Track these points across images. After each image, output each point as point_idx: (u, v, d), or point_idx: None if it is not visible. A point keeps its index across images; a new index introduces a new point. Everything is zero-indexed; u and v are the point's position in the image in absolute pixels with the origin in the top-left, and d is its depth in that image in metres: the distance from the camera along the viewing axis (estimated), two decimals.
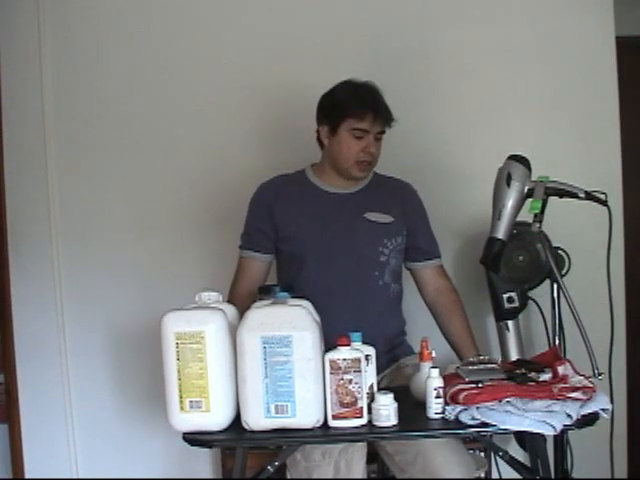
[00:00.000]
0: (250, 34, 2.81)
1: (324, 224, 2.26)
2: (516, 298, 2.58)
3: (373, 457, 2.22)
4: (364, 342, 1.86)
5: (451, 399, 1.79)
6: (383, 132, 2.27)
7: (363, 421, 1.76)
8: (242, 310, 1.91)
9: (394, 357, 2.29)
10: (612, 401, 2.34)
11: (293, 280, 2.18)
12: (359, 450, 2.10)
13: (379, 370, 1.94)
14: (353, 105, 2.22)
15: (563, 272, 2.53)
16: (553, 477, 2.41)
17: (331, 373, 1.75)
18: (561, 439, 2.53)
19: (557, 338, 2.58)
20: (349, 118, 2.22)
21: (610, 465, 2.52)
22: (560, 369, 1.86)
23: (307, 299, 1.94)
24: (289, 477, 2.16)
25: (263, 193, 2.34)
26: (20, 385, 2.87)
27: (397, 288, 2.34)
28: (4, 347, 2.87)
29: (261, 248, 2.32)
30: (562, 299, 2.33)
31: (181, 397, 1.77)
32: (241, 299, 2.19)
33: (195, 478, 2.89)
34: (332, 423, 1.76)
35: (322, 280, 2.22)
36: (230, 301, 2.12)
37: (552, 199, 2.09)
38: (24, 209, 2.86)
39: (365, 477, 2.14)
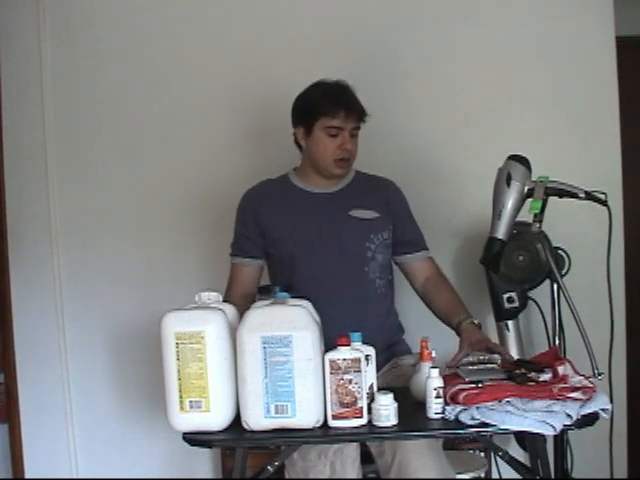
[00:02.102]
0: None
1: (310, 225, 2.28)
2: (516, 298, 2.58)
3: (370, 457, 2.21)
4: (363, 341, 1.86)
5: (451, 399, 1.79)
6: (358, 128, 2.28)
7: (363, 421, 1.76)
8: (239, 313, 1.92)
9: (391, 355, 2.30)
10: (612, 401, 2.35)
11: (285, 282, 2.19)
12: (353, 450, 2.10)
13: (377, 369, 1.93)
14: (325, 104, 2.24)
15: (563, 272, 2.53)
16: (553, 477, 2.41)
17: (331, 373, 1.74)
18: (561, 439, 2.53)
19: (557, 338, 2.58)
20: (322, 117, 2.23)
21: (609, 465, 2.52)
22: (560, 369, 1.86)
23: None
24: (287, 477, 2.17)
25: (248, 200, 2.37)
26: (20, 385, 2.87)
27: (387, 283, 2.35)
28: (4, 347, 2.88)
29: (250, 254, 2.34)
30: (562, 299, 2.33)
31: (181, 397, 1.77)
32: (235, 304, 2.13)
33: (195, 478, 2.89)
34: (332, 423, 1.76)
35: (313, 280, 2.23)
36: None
37: (552, 199, 2.09)
38: (24, 209, 2.87)
39: (360, 477, 2.14)
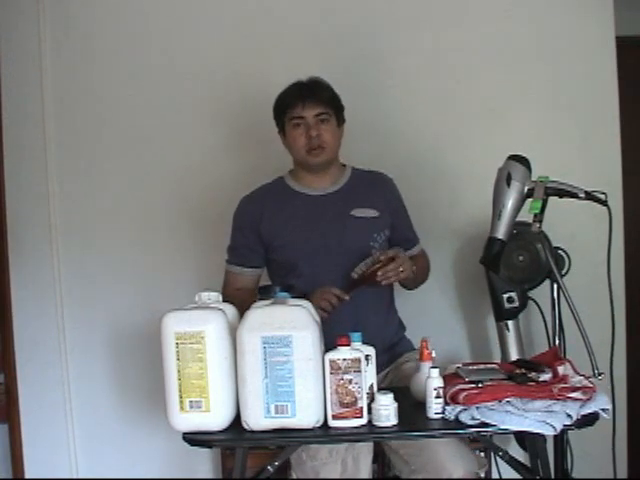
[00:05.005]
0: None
1: (312, 227, 2.28)
2: (516, 298, 2.57)
3: (374, 457, 2.22)
4: (364, 341, 1.86)
5: (451, 399, 1.79)
6: (325, 114, 2.27)
7: (363, 421, 1.76)
8: (238, 305, 1.96)
9: (395, 354, 2.30)
10: (613, 401, 2.35)
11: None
12: (366, 446, 2.11)
13: (380, 368, 1.93)
14: (285, 97, 2.29)
15: (563, 272, 2.53)
16: (553, 477, 2.41)
17: (331, 373, 1.75)
18: (561, 439, 2.53)
19: (557, 338, 2.57)
20: (286, 111, 2.28)
21: (612, 465, 2.52)
22: (560, 369, 1.86)
23: None
24: (294, 477, 2.17)
25: (246, 208, 2.36)
26: (20, 385, 2.87)
27: None
28: (4, 347, 2.87)
29: (251, 264, 2.35)
30: (562, 299, 2.33)
31: (181, 397, 1.77)
32: (232, 295, 2.23)
33: (195, 478, 2.89)
34: (332, 423, 1.76)
35: (318, 282, 2.21)
36: None
37: (552, 199, 2.09)
38: (24, 209, 2.87)
39: (371, 473, 2.15)
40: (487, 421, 1.73)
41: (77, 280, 2.86)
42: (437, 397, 1.77)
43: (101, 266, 2.86)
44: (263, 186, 2.40)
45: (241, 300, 2.16)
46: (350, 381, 1.74)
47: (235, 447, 1.96)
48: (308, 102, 2.25)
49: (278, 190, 2.37)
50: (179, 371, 1.77)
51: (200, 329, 1.76)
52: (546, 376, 1.84)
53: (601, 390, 1.83)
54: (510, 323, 2.60)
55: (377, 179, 2.42)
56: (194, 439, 1.80)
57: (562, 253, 2.57)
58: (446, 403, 1.79)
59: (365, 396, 1.76)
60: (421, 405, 1.81)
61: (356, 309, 2.21)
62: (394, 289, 2.40)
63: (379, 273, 2.11)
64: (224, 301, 1.96)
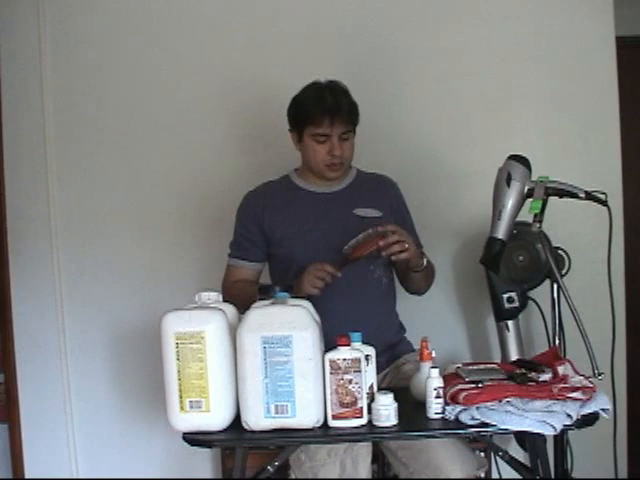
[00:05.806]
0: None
1: (314, 224, 2.28)
2: (516, 298, 2.57)
3: (373, 457, 2.22)
4: (364, 341, 1.86)
5: (451, 399, 1.79)
6: (349, 131, 2.27)
7: (363, 421, 1.76)
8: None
9: (395, 355, 2.30)
10: (614, 400, 2.35)
11: (288, 282, 2.19)
12: (365, 447, 2.11)
13: (380, 368, 1.93)
14: (310, 111, 2.23)
15: (563, 272, 2.53)
16: (553, 477, 2.41)
17: (331, 373, 1.75)
18: (561, 439, 2.53)
19: (557, 338, 2.57)
20: (308, 125, 2.24)
21: (614, 465, 2.52)
22: (560, 369, 1.86)
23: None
24: (293, 477, 2.17)
25: (250, 202, 2.37)
26: (20, 385, 2.87)
27: (390, 281, 2.36)
28: (4, 347, 2.88)
29: (253, 258, 2.36)
30: (562, 299, 2.33)
31: (181, 397, 1.77)
32: (232, 288, 2.30)
33: (195, 478, 2.89)
34: (332, 423, 1.76)
35: None
36: (226, 299, 2.03)
37: (552, 199, 2.09)
38: (24, 209, 2.87)
39: (370, 474, 2.15)
40: (487, 421, 1.72)
41: (77, 280, 2.87)
42: (437, 397, 1.77)
43: (101, 266, 2.86)
44: (268, 182, 2.41)
45: (239, 289, 2.25)
46: (350, 381, 1.74)
47: (235, 447, 1.96)
48: (336, 121, 2.22)
49: (283, 186, 2.38)
50: (179, 371, 1.77)
51: (200, 329, 1.76)
52: (546, 376, 1.84)
53: (601, 390, 1.83)
54: (510, 323, 2.60)
55: (382, 181, 2.43)
56: (194, 439, 1.80)
57: (562, 253, 2.57)
58: (446, 403, 1.79)
59: (365, 396, 1.76)
60: (421, 405, 1.81)
61: (357, 309, 2.22)
62: (396, 292, 2.40)
63: (381, 243, 2.08)
64: (223, 294, 1.96)
